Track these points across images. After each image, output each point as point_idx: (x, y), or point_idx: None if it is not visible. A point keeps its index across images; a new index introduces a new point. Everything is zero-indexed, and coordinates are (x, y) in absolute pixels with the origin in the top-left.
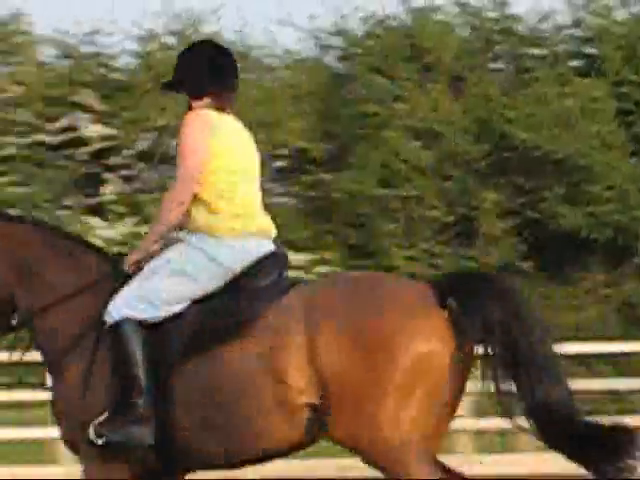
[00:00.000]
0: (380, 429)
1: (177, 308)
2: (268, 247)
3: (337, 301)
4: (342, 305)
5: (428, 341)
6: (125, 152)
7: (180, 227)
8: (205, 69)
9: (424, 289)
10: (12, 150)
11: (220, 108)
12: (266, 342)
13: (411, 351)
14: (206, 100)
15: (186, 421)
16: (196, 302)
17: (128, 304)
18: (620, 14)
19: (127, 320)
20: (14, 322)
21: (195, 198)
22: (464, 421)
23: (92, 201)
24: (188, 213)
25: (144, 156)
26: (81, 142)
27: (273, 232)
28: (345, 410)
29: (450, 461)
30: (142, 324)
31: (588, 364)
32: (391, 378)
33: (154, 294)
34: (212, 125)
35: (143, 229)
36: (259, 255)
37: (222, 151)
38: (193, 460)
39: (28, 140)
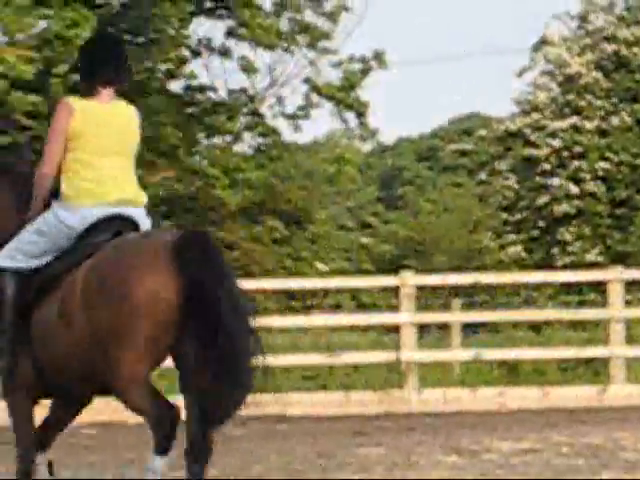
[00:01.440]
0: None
1: (37, 262)
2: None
3: (108, 255)
4: (108, 259)
5: (152, 289)
6: None
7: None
8: (82, 61)
9: (163, 245)
10: None
11: (90, 95)
12: (63, 292)
13: (134, 298)
14: (84, 86)
15: (38, 358)
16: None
17: (8, 255)
18: None
19: (5, 269)
20: None
21: (60, 171)
22: None
23: None
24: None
25: None
26: None
27: (138, 201)
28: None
29: None
30: (18, 273)
31: None
32: (119, 319)
33: (22, 248)
34: (73, 109)
35: None
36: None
37: (81, 132)
38: (55, 391)
39: None
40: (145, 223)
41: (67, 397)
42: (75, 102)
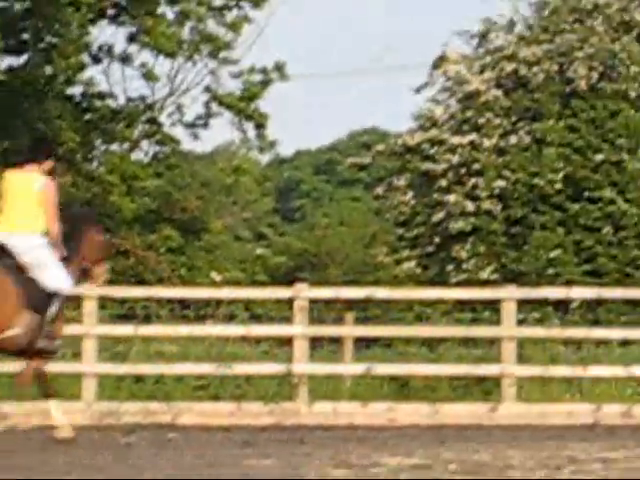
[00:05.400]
0: None
1: None
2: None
3: None
4: None
5: None
6: None
7: None
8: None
9: None
10: None
11: (19, 169)
12: None
13: None
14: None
15: None
16: None
17: None
18: None
19: None
20: None
21: None
22: None
23: None
24: None
25: None
26: None
27: (18, 231)
28: None
29: None
30: None
31: None
32: None
33: None
34: (3, 179)
35: None
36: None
37: (5, 190)
38: None
39: None
40: (19, 246)
41: None
42: (8, 174)
